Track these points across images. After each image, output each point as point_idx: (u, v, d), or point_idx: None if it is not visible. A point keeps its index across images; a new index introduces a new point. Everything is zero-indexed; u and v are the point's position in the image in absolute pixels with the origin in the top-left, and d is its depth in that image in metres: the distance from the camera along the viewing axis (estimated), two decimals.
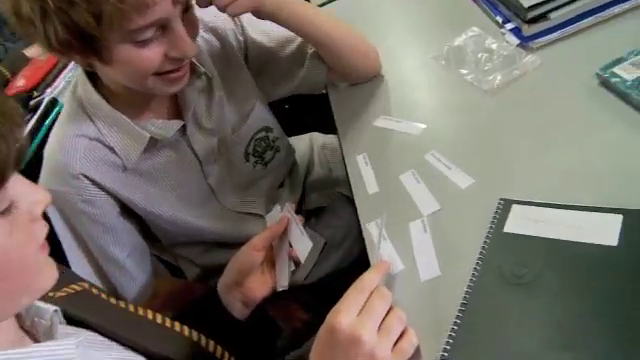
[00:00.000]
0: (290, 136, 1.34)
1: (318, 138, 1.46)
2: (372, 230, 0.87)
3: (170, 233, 1.10)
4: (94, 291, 0.75)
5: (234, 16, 0.96)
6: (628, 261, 0.64)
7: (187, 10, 0.83)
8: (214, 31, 1.04)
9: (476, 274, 0.72)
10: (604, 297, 0.63)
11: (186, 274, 1.25)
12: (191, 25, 0.85)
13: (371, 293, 0.66)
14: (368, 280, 0.67)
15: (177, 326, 0.76)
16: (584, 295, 0.64)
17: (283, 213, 0.94)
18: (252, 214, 1.18)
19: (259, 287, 0.91)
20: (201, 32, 0.97)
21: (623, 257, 0.65)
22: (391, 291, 0.68)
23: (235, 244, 1.16)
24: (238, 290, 0.91)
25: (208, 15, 1.01)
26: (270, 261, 0.94)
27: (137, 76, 0.84)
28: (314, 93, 1.19)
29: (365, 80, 1.16)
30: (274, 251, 0.94)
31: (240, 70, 1.08)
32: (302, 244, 0.89)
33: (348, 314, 0.63)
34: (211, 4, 0.86)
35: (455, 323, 0.67)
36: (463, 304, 0.69)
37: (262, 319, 0.92)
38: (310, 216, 1.29)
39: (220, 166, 1.10)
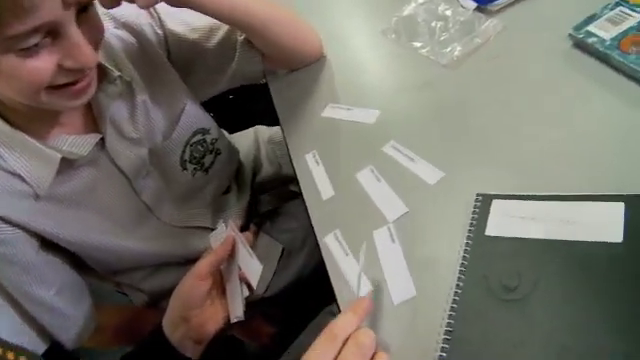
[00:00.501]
0: (235, 131, 1.26)
1: (264, 132, 1.34)
2: (331, 245, 0.73)
3: (105, 261, 0.97)
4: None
5: (147, 8, 0.81)
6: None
7: (85, 10, 0.68)
8: (128, 27, 0.90)
9: (459, 292, 0.59)
10: (618, 310, 0.51)
11: (133, 301, 1.12)
12: (92, 28, 0.70)
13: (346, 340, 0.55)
14: (342, 325, 0.56)
15: None
16: (592, 308, 0.52)
17: (228, 232, 0.80)
18: (198, 227, 1.06)
19: (209, 321, 0.79)
20: (112, 29, 0.86)
21: (633, 256, 0.54)
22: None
23: (183, 262, 1.05)
24: (186, 326, 0.78)
25: (119, 9, 0.86)
26: (219, 288, 0.81)
27: (27, 91, 0.69)
28: (253, 83, 1.08)
29: (306, 65, 1.04)
30: (223, 276, 0.80)
31: (163, 69, 0.94)
32: (251, 267, 0.76)
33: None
34: (118, 3, 0.73)
35: (441, 357, 0.55)
36: (448, 331, 0.57)
37: (224, 342, 0.79)
38: (264, 220, 1.18)
39: (154, 179, 0.97)
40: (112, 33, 0.85)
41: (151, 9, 0.91)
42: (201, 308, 0.77)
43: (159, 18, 0.92)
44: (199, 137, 1.03)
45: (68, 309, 0.91)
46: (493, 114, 0.76)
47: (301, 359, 0.54)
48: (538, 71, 0.78)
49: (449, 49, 0.87)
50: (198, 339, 0.78)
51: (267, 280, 1.11)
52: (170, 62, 0.95)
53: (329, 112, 0.92)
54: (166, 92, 0.95)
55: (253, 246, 1.12)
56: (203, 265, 0.76)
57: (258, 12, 0.90)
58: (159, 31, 0.92)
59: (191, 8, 0.82)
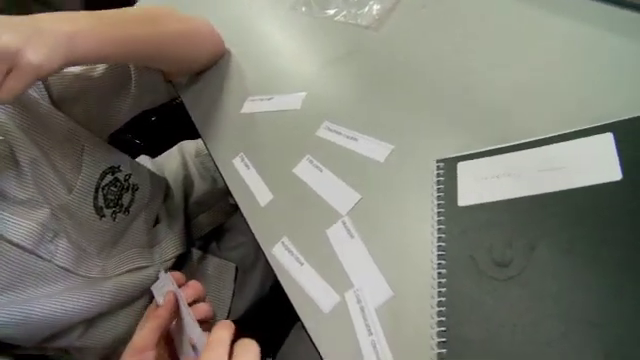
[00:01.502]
0: (162, 152, 1.16)
1: (189, 146, 1.23)
2: (280, 256, 0.61)
3: (23, 337, 0.82)
4: None
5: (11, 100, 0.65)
6: None
7: None
8: None
9: (443, 281, 0.48)
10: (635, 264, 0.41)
11: None
12: None
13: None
14: (216, 339, 0.52)
15: None
16: (612, 266, 0.42)
17: (169, 289, 0.65)
18: (135, 269, 0.93)
19: None
20: None
21: (638, 188, 0.44)
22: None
23: (128, 303, 0.92)
24: None
25: None
26: (172, 352, 0.67)
27: None
28: (163, 103, 0.96)
29: (211, 65, 0.91)
30: (173, 338, 0.66)
31: (47, 116, 0.79)
32: (195, 333, 0.62)
33: None
34: None
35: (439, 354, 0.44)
36: (442, 332, 0.46)
37: None
38: (209, 241, 1.08)
39: (67, 238, 0.82)
40: None
41: None
42: None
43: None
44: (109, 178, 0.90)
45: None
46: (434, 69, 0.66)
47: None
48: (475, 10, 0.68)
49: (367, 9, 0.76)
50: None
51: (227, 304, 1.01)
52: (55, 105, 0.80)
53: (249, 107, 0.80)
54: (58, 140, 0.80)
55: (203, 274, 1.01)
56: (142, 339, 0.62)
57: (147, 39, 0.78)
58: None
59: (71, 65, 0.68)
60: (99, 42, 0.69)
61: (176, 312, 0.64)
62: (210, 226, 1.09)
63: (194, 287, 0.64)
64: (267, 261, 0.63)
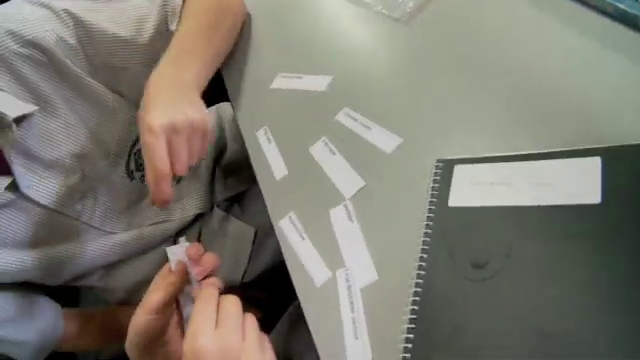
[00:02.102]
0: None
1: (227, 110, 1.24)
2: (286, 229, 0.67)
3: (51, 277, 0.89)
4: None
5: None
6: (621, 219, 0.46)
7: None
8: (34, 44, 0.76)
9: (422, 273, 0.53)
10: (600, 281, 0.45)
11: (108, 300, 1.06)
12: None
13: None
14: (207, 293, 0.57)
15: None
16: (572, 283, 0.46)
17: (180, 258, 0.69)
18: (156, 223, 0.99)
19: (176, 354, 0.66)
20: (16, 48, 0.73)
21: (614, 215, 0.47)
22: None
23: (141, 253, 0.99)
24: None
25: (22, 22, 0.74)
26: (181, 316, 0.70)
27: None
28: None
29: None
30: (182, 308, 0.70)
31: (84, 83, 0.82)
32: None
33: (205, 332, 0.53)
34: None
35: (406, 349, 0.49)
36: (412, 320, 0.50)
37: None
38: (232, 204, 1.12)
39: (94, 198, 0.88)
40: (16, 53, 0.73)
41: (62, 13, 0.77)
42: (160, 342, 0.68)
43: (74, 24, 0.79)
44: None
45: (18, 337, 0.86)
46: (452, 70, 0.68)
47: (187, 333, 0.54)
48: (502, 17, 0.70)
49: (401, 1, 0.79)
50: None
51: (244, 265, 1.05)
52: (95, 69, 0.83)
53: (279, 83, 0.84)
54: (94, 106, 0.84)
55: (224, 233, 1.06)
56: (154, 301, 0.64)
57: (218, 44, 0.87)
58: (72, 41, 0.79)
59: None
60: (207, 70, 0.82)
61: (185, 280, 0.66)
62: (236, 190, 1.12)
63: (207, 263, 0.65)
64: None
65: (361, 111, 0.71)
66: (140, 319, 0.63)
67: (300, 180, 0.71)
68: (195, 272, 0.63)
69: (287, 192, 0.71)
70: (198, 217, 1.04)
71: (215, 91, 1.28)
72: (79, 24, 0.78)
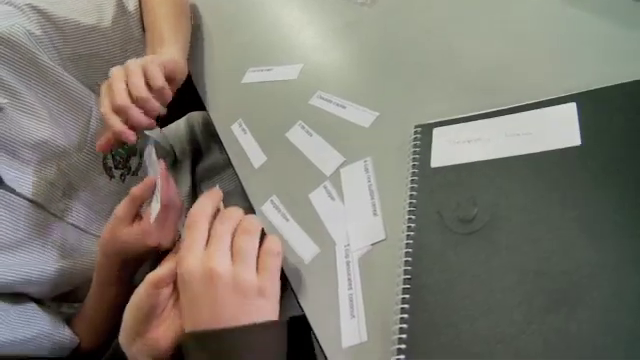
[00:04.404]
0: (169, 124, 1.19)
1: (197, 117, 1.24)
2: (269, 213, 0.66)
3: (42, 292, 0.85)
4: None
5: None
6: (602, 157, 0.47)
7: None
8: (3, 40, 0.76)
9: (411, 234, 0.52)
10: (587, 216, 0.45)
11: None
12: None
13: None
14: (197, 211, 0.55)
15: None
16: (560, 221, 0.46)
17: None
18: None
19: (164, 335, 0.67)
20: None
21: (595, 154, 0.48)
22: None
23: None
24: (141, 342, 0.66)
25: None
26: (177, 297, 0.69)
27: None
28: None
29: None
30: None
31: (54, 75, 0.83)
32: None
33: (192, 253, 0.53)
34: None
35: (403, 310, 0.48)
36: (406, 280, 0.50)
37: None
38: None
39: (77, 198, 0.87)
40: None
41: (25, 8, 0.79)
42: (157, 320, 0.67)
43: (39, 17, 0.80)
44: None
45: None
46: (420, 44, 0.69)
47: (178, 256, 0.54)
48: None
49: None
50: (158, 354, 0.68)
51: None
52: (65, 61, 0.84)
53: (250, 77, 0.84)
54: (66, 100, 0.84)
55: None
56: (162, 273, 0.65)
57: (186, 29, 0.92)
58: (39, 33, 0.80)
59: None
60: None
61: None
62: None
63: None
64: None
65: (335, 92, 0.71)
66: (140, 293, 0.62)
67: (279, 165, 0.70)
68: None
69: (267, 179, 0.70)
70: None
71: (186, 99, 1.28)
72: (44, 17, 0.79)
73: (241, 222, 0.54)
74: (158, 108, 0.70)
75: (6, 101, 0.74)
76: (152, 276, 0.64)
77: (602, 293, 0.40)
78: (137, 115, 0.68)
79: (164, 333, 0.65)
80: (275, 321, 0.51)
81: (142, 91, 0.68)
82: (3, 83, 0.75)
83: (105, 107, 0.68)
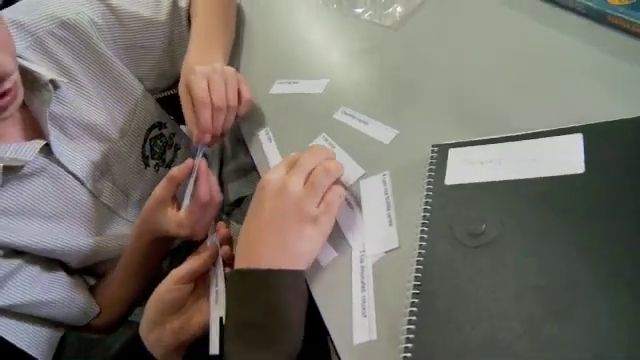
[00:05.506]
0: None
1: None
2: None
3: (78, 260, 0.90)
4: None
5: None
6: (603, 186, 0.51)
7: None
8: (67, 25, 0.85)
9: (423, 244, 0.57)
10: (586, 239, 0.49)
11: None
12: None
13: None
14: (314, 149, 0.66)
15: None
16: (561, 242, 0.50)
17: (211, 241, 0.76)
18: None
19: (184, 328, 0.71)
20: (51, 29, 0.83)
21: (597, 182, 0.52)
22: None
23: None
24: (159, 332, 0.71)
25: (58, 6, 0.84)
26: (199, 295, 0.73)
27: None
28: None
29: None
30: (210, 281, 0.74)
31: (110, 64, 0.91)
32: (219, 285, 0.71)
33: (277, 171, 0.63)
34: None
35: (411, 312, 0.53)
36: (416, 285, 0.54)
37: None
38: (233, 208, 1.15)
39: (113, 180, 0.94)
40: (51, 33, 0.82)
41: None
42: (177, 314, 0.71)
43: (103, 7, 0.89)
44: (156, 131, 1.01)
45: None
46: (441, 68, 0.74)
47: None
48: (480, 19, 0.76)
49: (391, 10, 0.85)
50: (173, 346, 0.73)
51: None
52: (119, 50, 0.92)
53: (277, 88, 0.89)
54: (117, 87, 0.92)
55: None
56: (184, 271, 0.71)
57: (231, 29, 0.99)
58: (101, 22, 0.88)
59: None
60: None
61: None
62: (236, 195, 1.14)
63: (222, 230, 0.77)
64: None
65: (357, 109, 0.76)
66: (163, 287, 0.69)
67: None
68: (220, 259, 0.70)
69: None
70: None
71: None
72: (108, 7, 0.87)
73: (326, 161, 0.63)
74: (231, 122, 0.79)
75: (65, 81, 0.82)
76: (175, 272, 0.70)
77: (594, 309, 0.45)
78: (221, 121, 0.77)
79: (181, 326, 0.71)
80: (301, 271, 0.60)
81: (221, 101, 0.76)
82: (63, 65, 0.83)
83: (204, 98, 0.75)
